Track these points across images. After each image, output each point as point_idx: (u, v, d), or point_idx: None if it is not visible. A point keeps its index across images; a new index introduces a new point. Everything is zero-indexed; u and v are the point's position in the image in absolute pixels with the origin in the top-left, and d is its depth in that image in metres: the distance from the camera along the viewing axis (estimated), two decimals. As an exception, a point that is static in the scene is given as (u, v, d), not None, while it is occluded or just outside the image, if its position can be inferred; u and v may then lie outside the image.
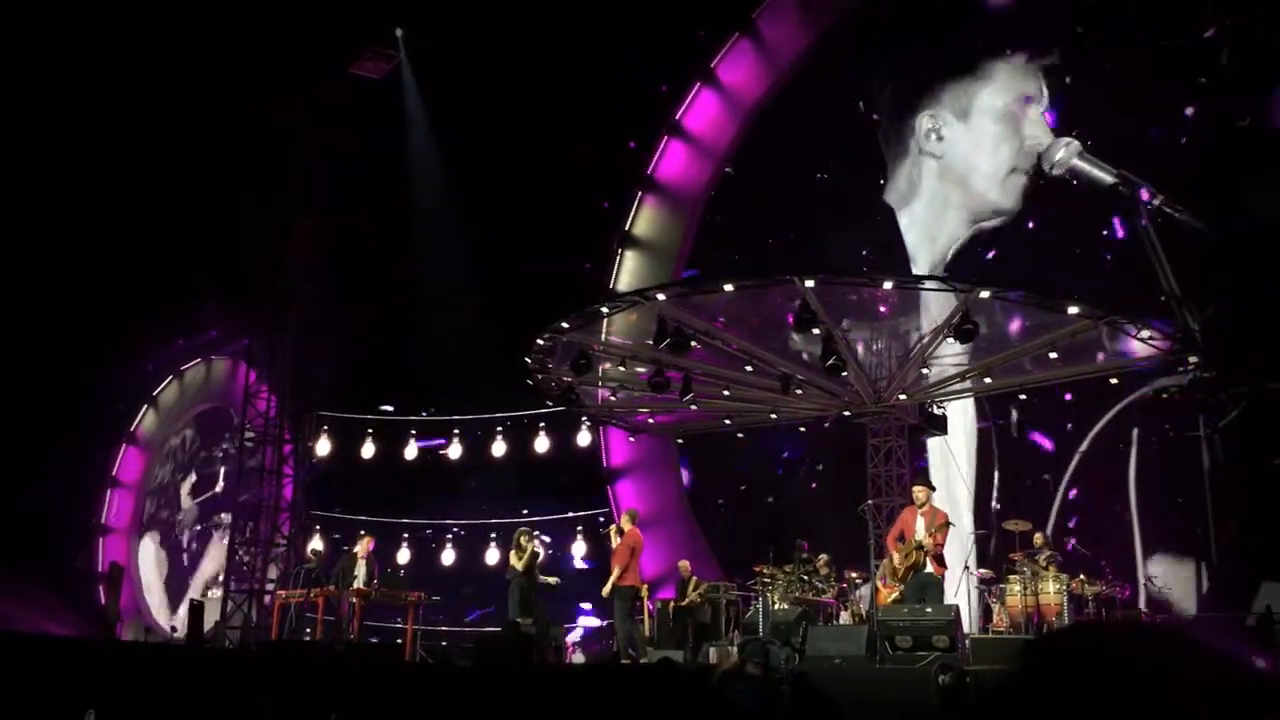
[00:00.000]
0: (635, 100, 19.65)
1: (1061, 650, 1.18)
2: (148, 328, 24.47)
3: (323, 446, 20.94)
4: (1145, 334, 11.85)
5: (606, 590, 13.06)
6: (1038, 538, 12.81)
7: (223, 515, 23.32)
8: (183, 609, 20.14)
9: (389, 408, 21.52)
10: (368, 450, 20.96)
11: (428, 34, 19.83)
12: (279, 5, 18.41)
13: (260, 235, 20.29)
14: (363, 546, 14.22)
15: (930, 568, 11.62)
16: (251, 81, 19.02)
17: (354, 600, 13.51)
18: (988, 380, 13.47)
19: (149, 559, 26.11)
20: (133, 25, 18.31)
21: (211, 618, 17.67)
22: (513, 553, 13.59)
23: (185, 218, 20.93)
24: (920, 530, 11.67)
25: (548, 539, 16.46)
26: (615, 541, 13.41)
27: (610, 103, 18.70)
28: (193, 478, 25.74)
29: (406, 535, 20.84)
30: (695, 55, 19.85)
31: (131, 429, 27.14)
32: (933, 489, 12.08)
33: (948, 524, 11.75)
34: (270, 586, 18.62)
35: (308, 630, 14.45)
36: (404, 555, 20.44)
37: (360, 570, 13.79)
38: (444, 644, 15.73)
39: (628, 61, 18.39)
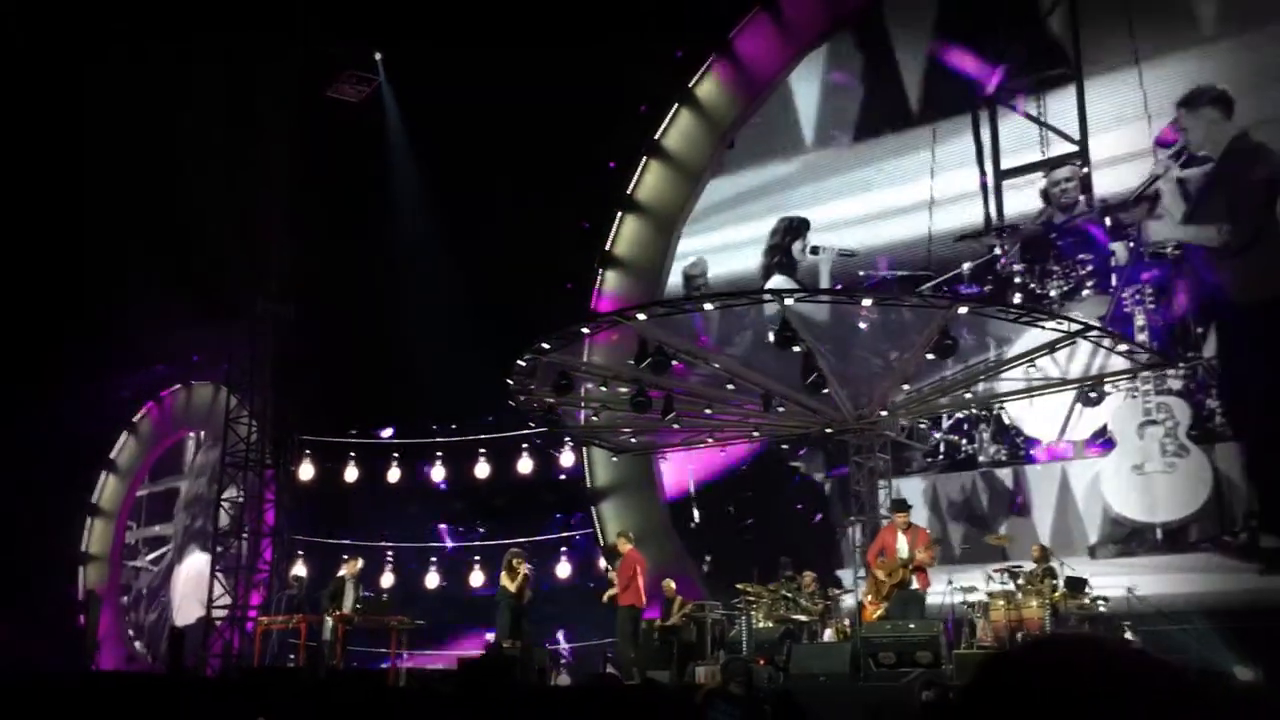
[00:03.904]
0: (616, 121, 19.72)
1: (1016, 666, 1.20)
2: (125, 353, 24.26)
3: (305, 471, 20.79)
4: (1123, 347, 11.96)
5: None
6: (1035, 549, 12.68)
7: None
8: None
9: (387, 430, 21.39)
10: (351, 474, 20.85)
11: (408, 57, 19.85)
12: (260, 32, 18.47)
13: (241, 257, 20.19)
14: (350, 569, 14.16)
15: (916, 584, 11.67)
16: (227, 105, 19.03)
17: (337, 625, 13.43)
18: (968, 395, 13.52)
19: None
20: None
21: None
22: (504, 574, 13.67)
23: (165, 241, 20.88)
24: (903, 548, 11.73)
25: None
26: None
27: (591, 123, 18.75)
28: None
29: (391, 559, 20.71)
30: (674, 76, 19.94)
31: (111, 456, 26.90)
32: (909, 507, 12.20)
33: (933, 540, 11.87)
34: (252, 613, 18.46)
35: (290, 657, 14.34)
36: (387, 579, 20.32)
37: (350, 593, 13.75)
38: (428, 668, 15.63)
39: (608, 82, 18.45)
